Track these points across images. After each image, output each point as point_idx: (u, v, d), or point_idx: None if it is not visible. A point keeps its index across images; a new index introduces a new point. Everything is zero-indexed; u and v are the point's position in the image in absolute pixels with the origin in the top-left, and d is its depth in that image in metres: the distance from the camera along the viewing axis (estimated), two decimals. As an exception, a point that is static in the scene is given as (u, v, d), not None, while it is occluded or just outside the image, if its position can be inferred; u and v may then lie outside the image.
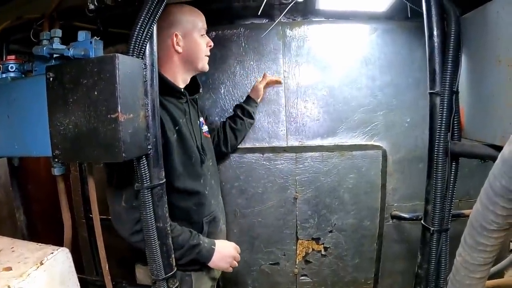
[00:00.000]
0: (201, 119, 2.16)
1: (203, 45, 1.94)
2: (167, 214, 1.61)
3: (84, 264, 2.87)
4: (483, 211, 1.03)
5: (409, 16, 2.33)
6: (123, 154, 1.32)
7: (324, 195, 2.56)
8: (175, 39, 1.87)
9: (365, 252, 2.64)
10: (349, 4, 2.36)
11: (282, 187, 2.56)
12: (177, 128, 1.83)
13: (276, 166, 2.54)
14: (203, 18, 1.96)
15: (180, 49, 1.89)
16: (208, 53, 1.99)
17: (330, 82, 2.53)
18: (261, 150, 2.55)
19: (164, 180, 1.58)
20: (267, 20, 2.53)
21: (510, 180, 0.91)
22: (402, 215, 2.56)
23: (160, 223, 1.59)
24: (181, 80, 1.96)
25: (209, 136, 2.21)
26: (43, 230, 2.89)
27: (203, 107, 2.43)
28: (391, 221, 2.62)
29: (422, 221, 1.70)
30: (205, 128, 2.17)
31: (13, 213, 2.48)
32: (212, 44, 2.00)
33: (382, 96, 2.53)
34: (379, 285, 2.70)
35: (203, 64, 1.97)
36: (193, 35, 1.91)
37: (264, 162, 2.55)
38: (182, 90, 1.94)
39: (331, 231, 2.60)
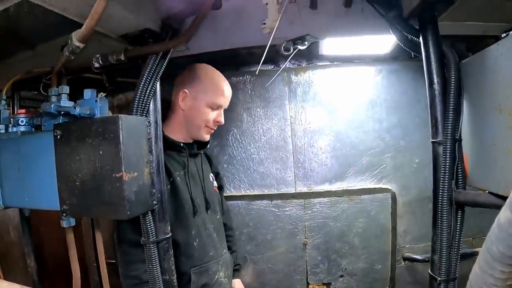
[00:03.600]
0: (211, 174, 2.21)
1: (208, 116, 1.97)
2: (173, 267, 1.62)
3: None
4: (482, 274, 1.01)
5: (413, 56, 2.36)
6: (128, 212, 1.34)
7: (333, 240, 2.54)
8: (181, 95, 1.94)
9: (378, 295, 2.59)
10: (352, 48, 2.37)
11: (291, 233, 2.55)
12: (171, 179, 1.86)
13: (285, 212, 2.54)
14: (223, 96, 2.01)
15: (184, 107, 1.96)
16: (212, 127, 2.02)
17: (337, 126, 2.54)
18: (270, 196, 2.56)
19: (170, 234, 1.59)
20: (272, 66, 2.56)
21: (507, 246, 0.90)
22: (414, 256, 2.52)
23: (167, 275, 1.60)
24: (183, 135, 2.01)
25: (217, 191, 2.23)
26: (54, 272, 2.90)
27: (217, 164, 2.44)
28: (403, 263, 2.57)
29: (429, 271, 1.67)
30: (215, 183, 2.21)
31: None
32: (221, 121, 2.04)
33: (390, 138, 2.53)
34: (393, 329, 2.62)
35: (199, 133, 2.01)
36: (201, 102, 1.95)
37: (272, 209, 2.54)
38: (182, 144, 1.97)
39: (342, 276, 2.56)
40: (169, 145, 1.90)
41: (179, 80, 2.01)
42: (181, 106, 1.96)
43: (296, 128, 2.56)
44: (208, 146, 2.15)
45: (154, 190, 1.51)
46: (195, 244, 1.91)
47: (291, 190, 2.56)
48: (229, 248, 2.27)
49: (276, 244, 2.56)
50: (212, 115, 1.98)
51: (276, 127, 2.57)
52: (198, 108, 1.95)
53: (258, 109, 2.54)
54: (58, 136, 1.47)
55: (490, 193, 1.45)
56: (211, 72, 2.03)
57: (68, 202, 1.47)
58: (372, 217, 2.52)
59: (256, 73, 2.14)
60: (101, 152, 1.36)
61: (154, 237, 1.52)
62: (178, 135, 1.99)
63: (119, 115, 1.33)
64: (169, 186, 1.84)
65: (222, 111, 2.04)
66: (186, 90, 1.94)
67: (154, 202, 1.52)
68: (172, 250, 1.61)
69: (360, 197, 2.51)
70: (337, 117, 2.54)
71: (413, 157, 2.53)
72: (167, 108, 2.01)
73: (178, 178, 1.90)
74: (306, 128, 2.56)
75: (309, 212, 2.52)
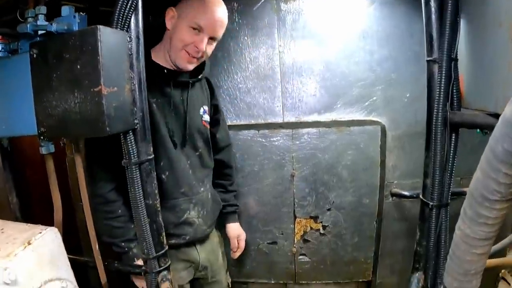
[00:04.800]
0: (205, 107, 2.08)
1: (186, 37, 1.76)
2: (156, 191, 1.58)
3: (82, 245, 2.86)
4: (484, 180, 0.95)
5: (407, -12, 2.28)
6: (107, 128, 1.29)
7: (321, 172, 2.52)
8: (169, 14, 1.79)
9: (365, 230, 2.61)
10: (345, -26, 2.28)
11: (278, 165, 2.53)
12: None
13: (272, 142, 2.50)
14: (209, 17, 1.76)
15: (169, 26, 1.80)
16: (192, 54, 1.80)
17: (327, 56, 2.47)
18: (257, 126, 2.51)
19: (153, 155, 1.54)
20: (261, -6, 2.45)
21: None
22: (402, 192, 2.52)
23: (149, 200, 1.56)
24: (169, 62, 1.85)
25: (207, 126, 2.09)
26: (41, 213, 2.89)
27: (217, 97, 2.28)
28: (391, 198, 2.58)
29: (420, 196, 1.65)
30: (206, 117, 2.07)
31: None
32: (201, 48, 1.78)
33: (381, 70, 2.47)
34: (379, 264, 2.67)
35: (178, 58, 1.80)
36: (184, 20, 1.75)
37: (260, 139, 2.50)
38: (165, 71, 1.85)
39: (329, 209, 2.57)
40: (152, 69, 1.76)
41: None
42: (167, 25, 1.80)
43: (284, 57, 2.48)
44: (200, 77, 2.00)
45: (135, 109, 1.45)
46: (163, 177, 1.86)
47: (279, 120, 2.52)
48: (225, 188, 2.26)
49: (264, 176, 2.55)
50: (192, 37, 1.76)
51: (264, 56, 2.48)
52: (180, 27, 1.76)
53: (246, 38, 2.44)
54: (34, 55, 1.40)
55: (487, 113, 1.40)
56: None
57: (46, 124, 1.42)
58: (361, 150, 2.49)
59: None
60: (79, 67, 1.29)
61: (136, 159, 1.47)
62: (163, 61, 1.85)
63: (98, 26, 1.27)
64: None
65: (206, 38, 1.79)
66: (174, 8, 1.78)
67: (136, 121, 1.45)
68: (154, 173, 1.57)
69: (349, 129, 2.47)
70: (327, 47, 2.46)
71: (404, 91, 2.48)
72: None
73: (155, 105, 1.80)
74: (295, 57, 2.48)
75: (297, 142, 2.49)
